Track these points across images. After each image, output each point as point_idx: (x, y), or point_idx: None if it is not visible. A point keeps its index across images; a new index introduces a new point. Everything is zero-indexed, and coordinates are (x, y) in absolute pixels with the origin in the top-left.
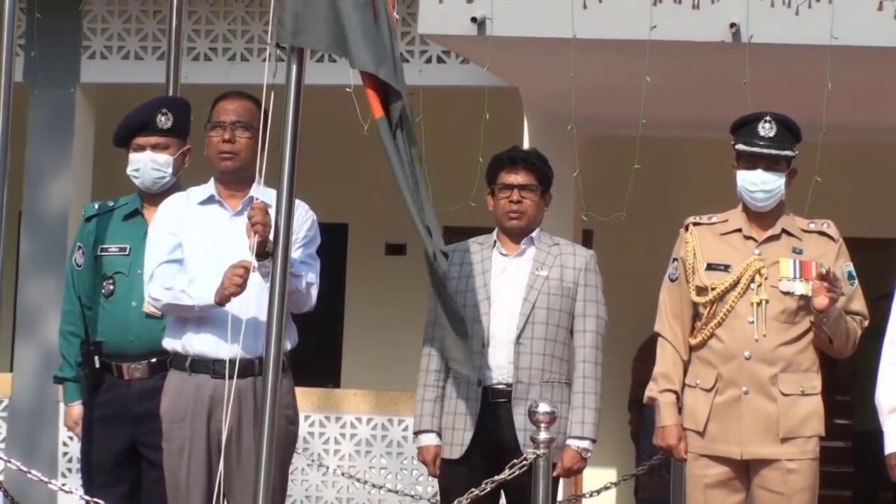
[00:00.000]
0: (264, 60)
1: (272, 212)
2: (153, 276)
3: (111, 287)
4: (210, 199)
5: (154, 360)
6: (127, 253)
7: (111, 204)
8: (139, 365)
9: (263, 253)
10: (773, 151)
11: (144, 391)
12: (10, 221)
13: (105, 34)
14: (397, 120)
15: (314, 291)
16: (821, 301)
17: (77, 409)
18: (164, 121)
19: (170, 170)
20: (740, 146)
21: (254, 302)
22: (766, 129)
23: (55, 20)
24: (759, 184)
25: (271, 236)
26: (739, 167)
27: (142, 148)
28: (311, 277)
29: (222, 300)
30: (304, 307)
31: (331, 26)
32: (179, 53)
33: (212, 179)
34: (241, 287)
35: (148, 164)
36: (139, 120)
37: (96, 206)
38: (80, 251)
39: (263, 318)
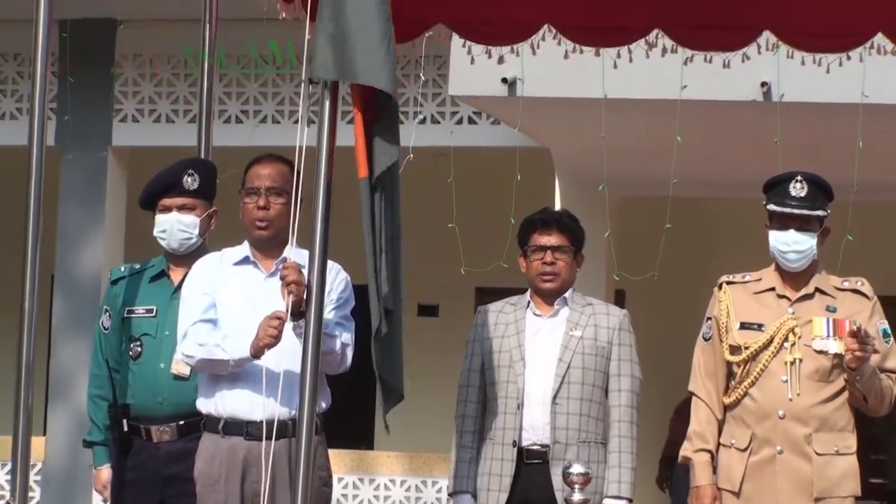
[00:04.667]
0: (295, 122)
1: (306, 272)
2: (186, 335)
3: (138, 349)
4: (244, 260)
5: (182, 422)
6: (154, 315)
7: (138, 266)
8: (167, 427)
9: (298, 313)
10: (805, 212)
11: (173, 454)
12: (43, 284)
13: (136, 97)
14: (379, 176)
15: (349, 352)
16: (852, 358)
17: (106, 472)
18: (190, 182)
19: (196, 231)
20: (772, 206)
21: (287, 362)
22: (798, 189)
23: (87, 84)
24: (791, 244)
25: (305, 295)
26: (772, 227)
27: (168, 209)
28: (345, 338)
29: (257, 352)
30: (340, 368)
31: (356, 56)
32: (211, 116)
33: (245, 241)
34: (277, 338)
35: (174, 225)
36: (165, 181)
37: (123, 269)
38: (107, 314)
39: (297, 378)
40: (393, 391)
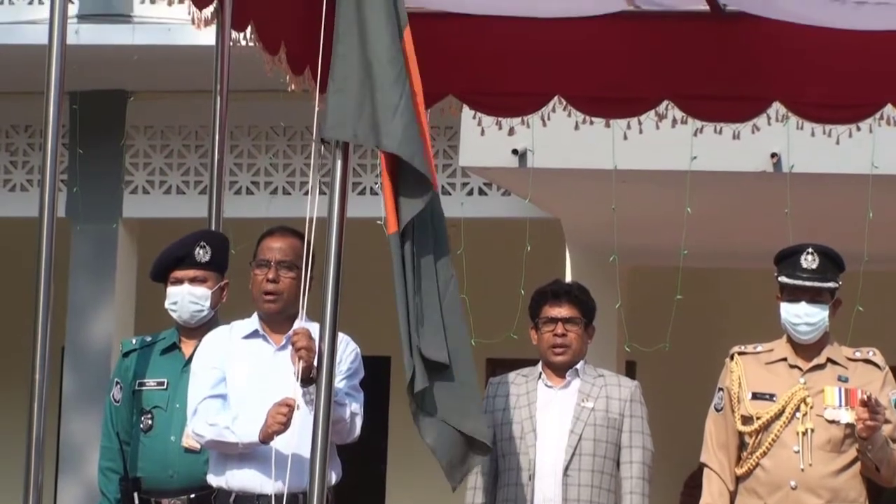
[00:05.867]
0: (306, 194)
1: (316, 341)
2: (197, 412)
3: (149, 422)
4: (254, 334)
5: (193, 495)
6: (165, 387)
7: (149, 339)
8: (178, 500)
9: (308, 379)
10: (817, 284)
11: None
12: (53, 357)
13: (147, 169)
14: (406, 227)
15: (358, 422)
16: (864, 428)
17: None
18: (201, 254)
19: (207, 303)
20: (783, 279)
21: (297, 437)
22: (809, 261)
23: (97, 155)
24: (802, 316)
25: (315, 363)
26: (783, 299)
27: (180, 281)
28: (355, 407)
29: (266, 438)
30: (349, 438)
31: (370, 119)
32: (222, 188)
33: (255, 314)
34: (285, 426)
35: (186, 297)
36: (177, 253)
37: (134, 342)
38: (118, 386)
39: (307, 453)
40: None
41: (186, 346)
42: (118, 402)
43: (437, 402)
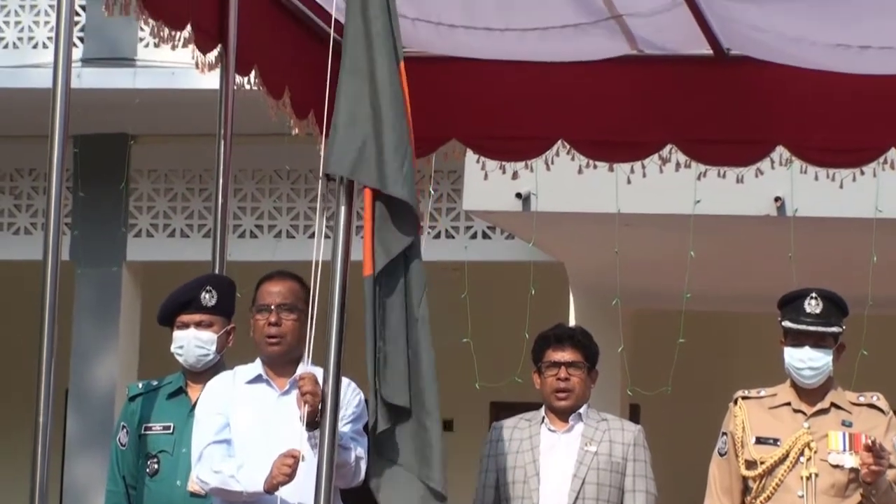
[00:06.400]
0: (310, 237)
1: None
2: (201, 458)
3: (155, 466)
4: (257, 379)
5: None
6: (171, 432)
7: (155, 383)
8: None
9: (314, 423)
10: (820, 329)
11: None
12: (57, 400)
13: (151, 212)
14: (380, 271)
15: (363, 465)
16: (868, 472)
17: None
18: (208, 298)
19: (213, 348)
20: (787, 323)
21: (303, 485)
22: (813, 305)
23: (100, 199)
24: (806, 361)
25: (320, 406)
26: (786, 344)
27: (186, 326)
28: (359, 451)
29: (270, 489)
30: (353, 482)
31: (375, 159)
32: (226, 231)
33: (258, 359)
34: (290, 477)
35: (192, 341)
36: (183, 298)
37: (140, 386)
38: (125, 430)
39: (311, 500)
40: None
41: (193, 391)
42: (124, 446)
43: (397, 446)
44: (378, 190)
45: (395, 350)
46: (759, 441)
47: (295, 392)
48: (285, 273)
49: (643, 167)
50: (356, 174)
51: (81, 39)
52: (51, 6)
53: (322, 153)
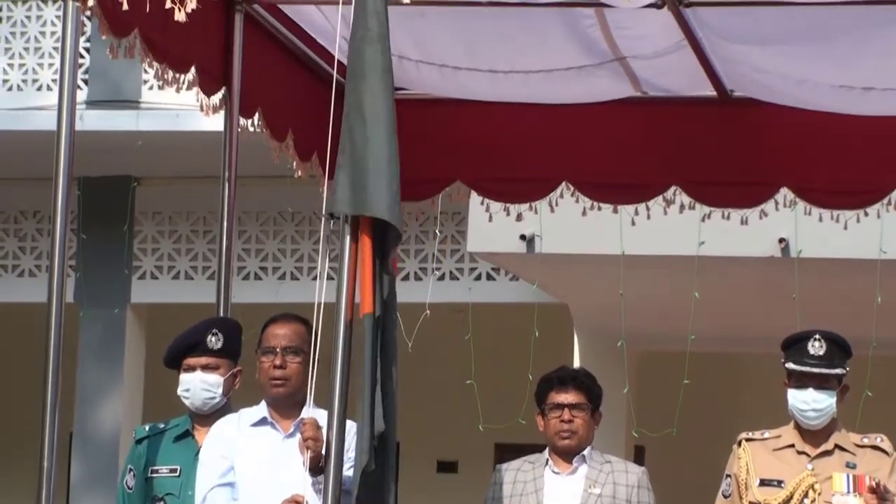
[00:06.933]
0: (314, 279)
1: (324, 430)
2: (205, 501)
3: None
4: (262, 422)
5: None
6: (178, 474)
7: (162, 426)
8: None
9: (317, 468)
10: (824, 370)
11: None
12: (62, 443)
13: (155, 254)
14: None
15: None
16: None
17: None
18: (214, 341)
19: (220, 390)
20: (790, 365)
21: None
22: (816, 347)
23: (104, 241)
24: (810, 402)
25: (324, 451)
26: (790, 385)
27: (192, 368)
28: None
29: None
30: None
31: (387, 197)
32: (230, 273)
33: (263, 402)
34: None
35: (198, 384)
36: (189, 340)
37: (147, 429)
38: (131, 473)
39: None
40: None
41: (199, 434)
42: (131, 489)
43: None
44: (375, 228)
45: (389, 386)
46: (763, 483)
47: (298, 436)
48: (291, 315)
49: (647, 209)
50: (359, 209)
51: (86, 82)
52: (55, 48)
53: (325, 194)
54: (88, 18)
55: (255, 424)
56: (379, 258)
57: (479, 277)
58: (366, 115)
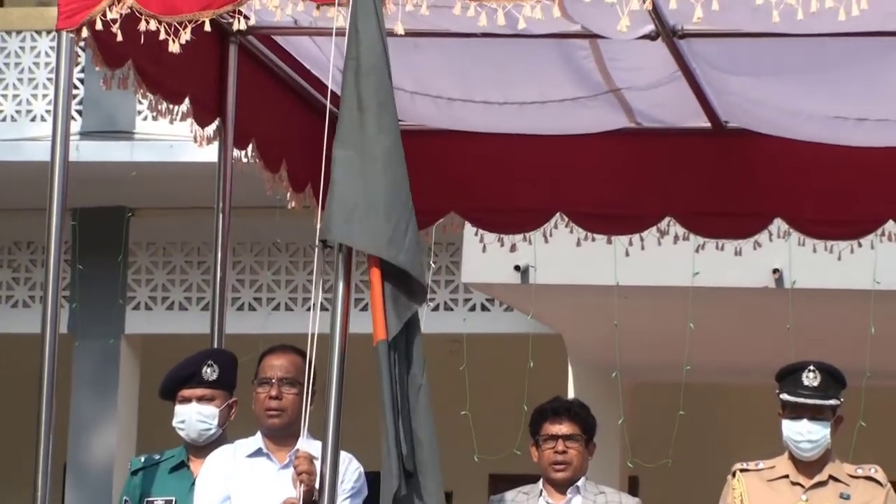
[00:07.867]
0: (308, 309)
1: (318, 462)
2: None
3: None
4: (258, 452)
5: None
6: None
7: (157, 457)
8: None
9: (311, 502)
10: (818, 401)
11: None
12: (55, 474)
13: (149, 285)
14: (395, 336)
15: None
16: None
17: None
18: (209, 373)
19: (215, 422)
20: (785, 396)
21: None
22: (810, 378)
23: (98, 271)
24: (804, 433)
25: (317, 485)
26: (785, 416)
27: (187, 400)
28: None
29: None
30: None
31: (387, 234)
32: (224, 304)
33: (259, 433)
34: None
35: (193, 416)
36: (185, 372)
37: (142, 460)
38: None
39: None
40: None
41: (195, 465)
42: None
43: None
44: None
45: (405, 418)
46: None
47: (292, 469)
48: (288, 347)
49: (641, 239)
50: (347, 240)
51: (80, 112)
52: (49, 79)
53: (318, 225)
54: (82, 49)
55: (251, 455)
56: (396, 285)
57: (473, 308)
58: (357, 145)
